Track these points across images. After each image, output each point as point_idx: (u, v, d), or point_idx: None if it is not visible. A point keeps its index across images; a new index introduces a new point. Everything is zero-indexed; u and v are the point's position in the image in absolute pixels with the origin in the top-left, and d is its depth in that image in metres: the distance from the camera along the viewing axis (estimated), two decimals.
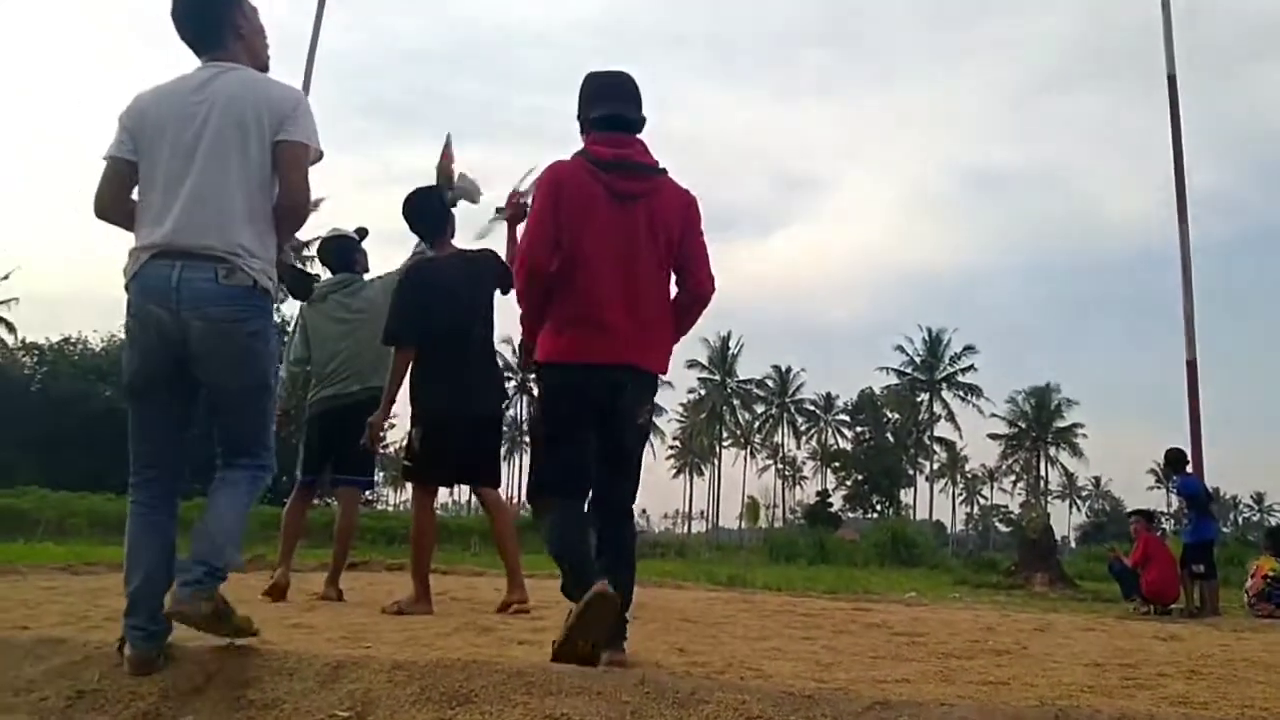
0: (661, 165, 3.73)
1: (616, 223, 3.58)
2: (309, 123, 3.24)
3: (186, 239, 3.06)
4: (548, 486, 3.65)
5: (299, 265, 3.57)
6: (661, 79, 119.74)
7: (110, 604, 4.53)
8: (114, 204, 3.24)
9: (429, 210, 5.77)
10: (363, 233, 6.73)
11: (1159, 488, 75.89)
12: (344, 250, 6.61)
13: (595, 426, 3.57)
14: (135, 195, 3.22)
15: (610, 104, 3.72)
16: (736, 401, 78.75)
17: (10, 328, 57.67)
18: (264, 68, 3.39)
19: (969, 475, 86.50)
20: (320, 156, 3.28)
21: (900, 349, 73.71)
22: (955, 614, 7.54)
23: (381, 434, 5.86)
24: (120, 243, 3.24)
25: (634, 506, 3.75)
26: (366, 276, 6.55)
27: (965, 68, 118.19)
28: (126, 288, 3.15)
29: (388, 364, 5.61)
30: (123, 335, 3.40)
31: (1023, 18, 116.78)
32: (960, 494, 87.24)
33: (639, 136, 3.76)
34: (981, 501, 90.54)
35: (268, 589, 5.87)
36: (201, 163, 3.10)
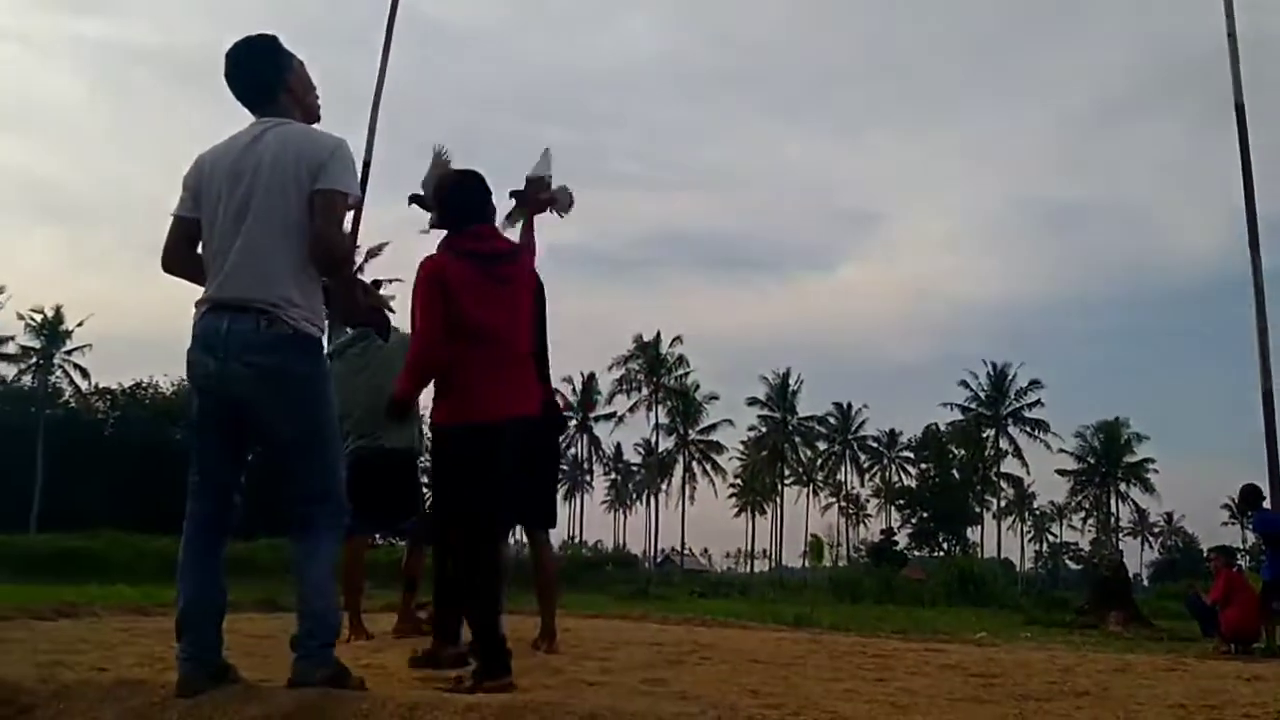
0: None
1: None
2: (345, 169, 3.37)
3: (233, 292, 3.25)
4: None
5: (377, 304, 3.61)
6: (715, 116, 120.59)
7: None
8: (178, 260, 3.45)
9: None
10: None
11: (1234, 524, 74.11)
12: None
13: None
14: (201, 250, 3.40)
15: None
16: (798, 439, 78.15)
17: (84, 373, 59.09)
18: (315, 119, 3.55)
19: (1037, 512, 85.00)
20: (358, 202, 3.38)
21: (964, 384, 72.70)
22: (1030, 654, 7.38)
23: None
24: (187, 288, 3.42)
25: None
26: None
27: (1025, 99, 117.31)
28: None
29: (409, 422, 5.74)
30: None
31: (1082, 48, 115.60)
32: (1028, 531, 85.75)
33: None
34: (1050, 539, 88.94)
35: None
36: (250, 219, 3.28)
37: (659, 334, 71.45)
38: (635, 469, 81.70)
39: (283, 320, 3.23)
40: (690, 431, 74.53)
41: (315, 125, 3.52)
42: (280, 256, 3.26)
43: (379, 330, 5.86)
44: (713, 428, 74.99)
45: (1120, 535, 76.15)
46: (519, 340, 4.18)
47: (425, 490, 6.18)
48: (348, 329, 6.41)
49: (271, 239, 3.26)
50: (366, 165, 11.39)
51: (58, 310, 58.52)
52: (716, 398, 74.28)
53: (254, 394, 3.24)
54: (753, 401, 76.04)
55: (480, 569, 3.94)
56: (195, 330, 3.30)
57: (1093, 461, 75.15)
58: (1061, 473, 76.19)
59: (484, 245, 4.18)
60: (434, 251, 4.13)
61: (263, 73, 3.46)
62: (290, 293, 3.26)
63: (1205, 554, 13.39)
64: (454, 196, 4.34)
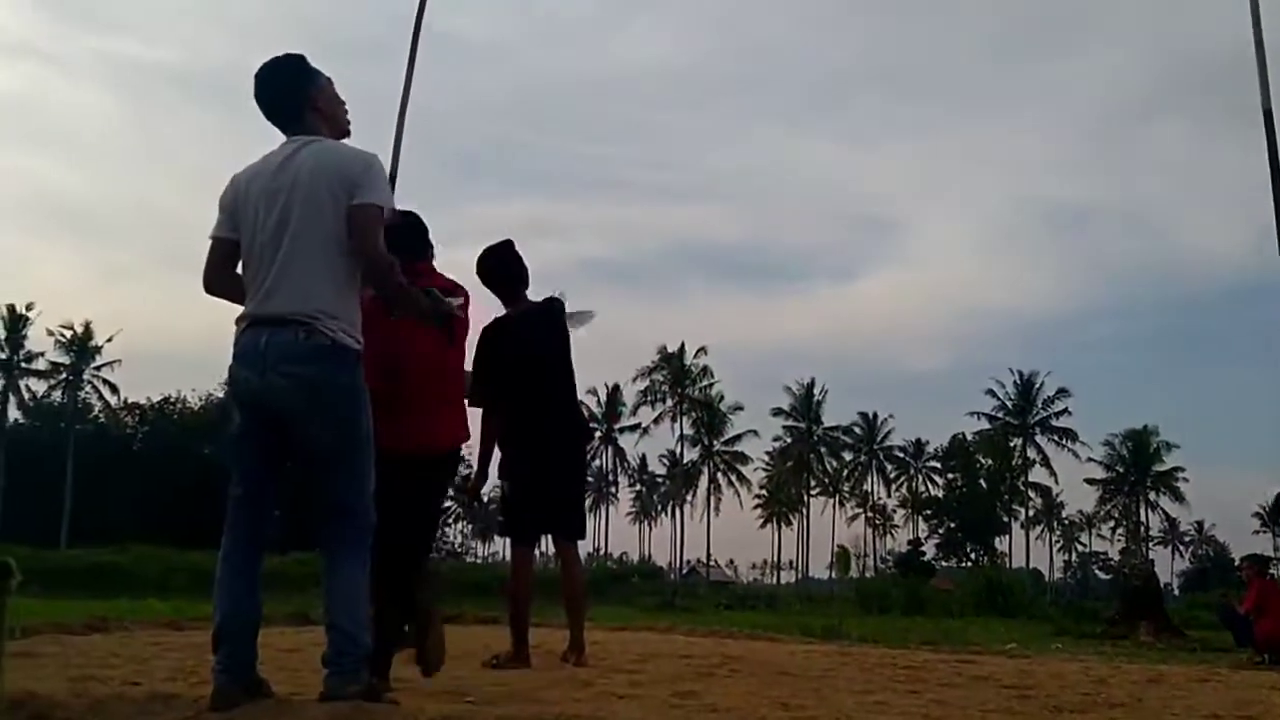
0: None
1: None
2: (380, 183, 3.43)
3: (273, 308, 3.33)
4: None
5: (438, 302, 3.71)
6: (732, 124, 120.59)
7: None
8: (218, 280, 3.53)
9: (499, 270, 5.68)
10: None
11: (1265, 532, 73.41)
12: None
13: None
14: (241, 270, 3.47)
15: None
16: (823, 449, 77.87)
17: (113, 388, 59.63)
18: (345, 134, 3.60)
19: (1066, 521, 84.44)
20: (393, 213, 3.47)
21: (991, 393, 72.26)
22: (1062, 665, 7.32)
23: (479, 493, 5.90)
24: (215, 304, 3.52)
25: None
26: None
27: (1043, 102, 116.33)
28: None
29: None
30: (220, 394, 3.55)
31: (1101, 50, 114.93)
32: (1057, 541, 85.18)
33: None
34: (1079, 548, 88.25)
35: None
36: (288, 237, 3.34)
37: (683, 345, 71.42)
38: (660, 480, 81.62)
39: (320, 331, 3.29)
40: (715, 442, 74.38)
41: (346, 140, 3.56)
42: (318, 272, 3.34)
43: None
44: (737, 438, 74.82)
45: (1150, 544, 75.52)
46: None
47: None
48: None
49: (309, 255, 3.34)
50: (393, 179, 11.48)
51: (87, 326, 59.20)
52: (741, 408, 74.17)
53: (293, 404, 3.30)
54: (777, 412, 75.92)
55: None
56: (237, 347, 3.39)
57: (1122, 470, 74.55)
58: (1090, 482, 75.75)
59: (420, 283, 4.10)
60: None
61: (291, 92, 3.52)
62: (328, 305, 3.32)
63: (1237, 563, 13.25)
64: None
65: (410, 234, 4.33)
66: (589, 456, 5.88)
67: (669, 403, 72.31)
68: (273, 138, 3.50)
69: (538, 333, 5.53)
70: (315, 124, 3.50)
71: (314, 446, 3.35)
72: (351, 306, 3.41)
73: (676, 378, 71.72)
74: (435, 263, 4.41)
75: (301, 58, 3.55)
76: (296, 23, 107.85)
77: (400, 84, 11.21)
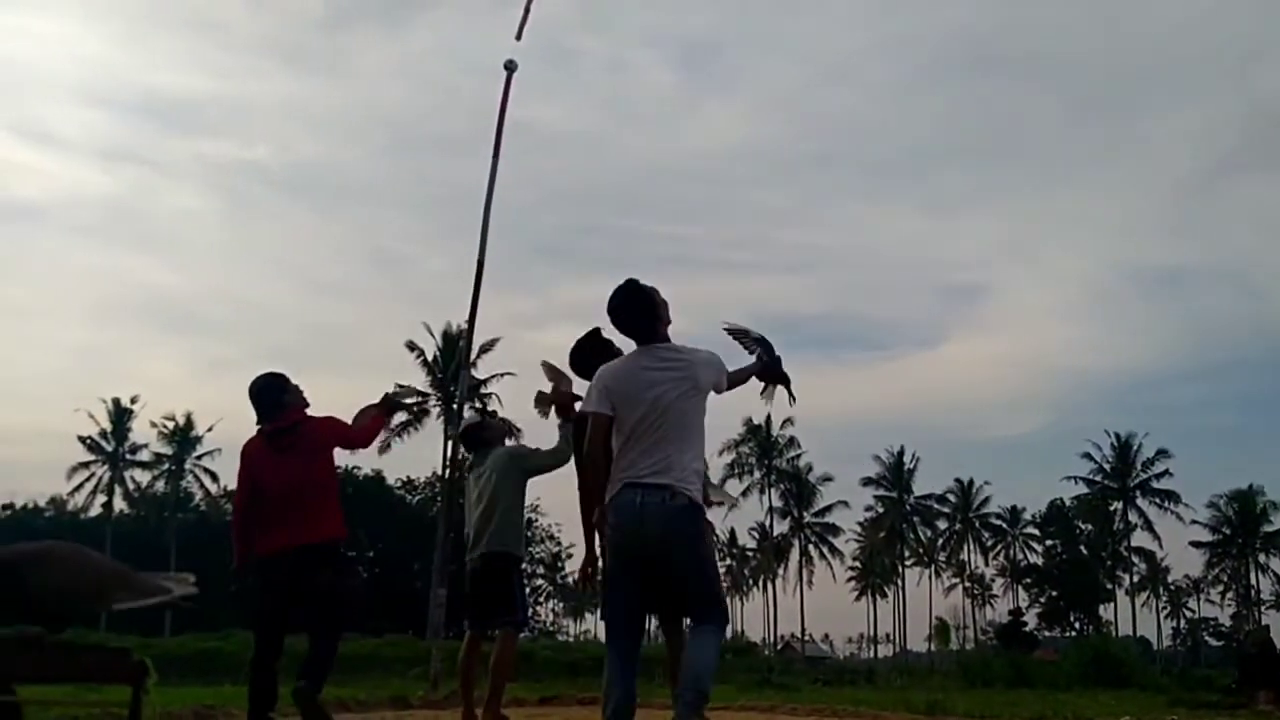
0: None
1: None
2: (721, 371, 4.74)
3: (648, 478, 4.40)
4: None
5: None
6: (810, 199, 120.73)
7: None
8: (603, 451, 4.58)
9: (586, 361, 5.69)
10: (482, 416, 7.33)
11: None
12: (471, 436, 7.51)
13: None
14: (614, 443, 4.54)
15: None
16: (916, 518, 76.45)
17: (214, 476, 61.08)
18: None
19: (1172, 587, 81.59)
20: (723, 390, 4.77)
21: (1088, 456, 70.39)
22: None
23: (590, 574, 5.90)
24: None
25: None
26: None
27: (1126, 162, 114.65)
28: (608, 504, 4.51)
29: (499, 532, 6.78)
30: None
31: (1184, 105, 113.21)
32: (1164, 607, 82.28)
33: None
34: (1188, 614, 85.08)
35: None
36: (662, 426, 4.44)
37: (769, 416, 71.05)
38: (751, 554, 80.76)
39: (681, 493, 4.38)
40: (805, 514, 73.55)
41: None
42: (680, 452, 4.44)
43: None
44: (828, 509, 73.70)
45: (1263, 608, 72.42)
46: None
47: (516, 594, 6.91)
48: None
49: (676, 440, 4.44)
50: (480, 264, 11.74)
51: (188, 417, 60.88)
52: (830, 479, 73.27)
53: (666, 548, 4.37)
54: (867, 481, 74.83)
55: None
56: (614, 503, 4.44)
57: (1229, 532, 71.98)
58: (1196, 545, 73.18)
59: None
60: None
61: (645, 316, 4.67)
62: (685, 475, 4.42)
63: None
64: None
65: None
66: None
67: (756, 475, 71.85)
68: None
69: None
70: (663, 333, 4.70)
71: (677, 576, 4.50)
72: (699, 474, 4.70)
73: (763, 449, 71.30)
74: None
75: (654, 291, 4.73)
76: (380, 120, 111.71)
77: (485, 175, 11.54)
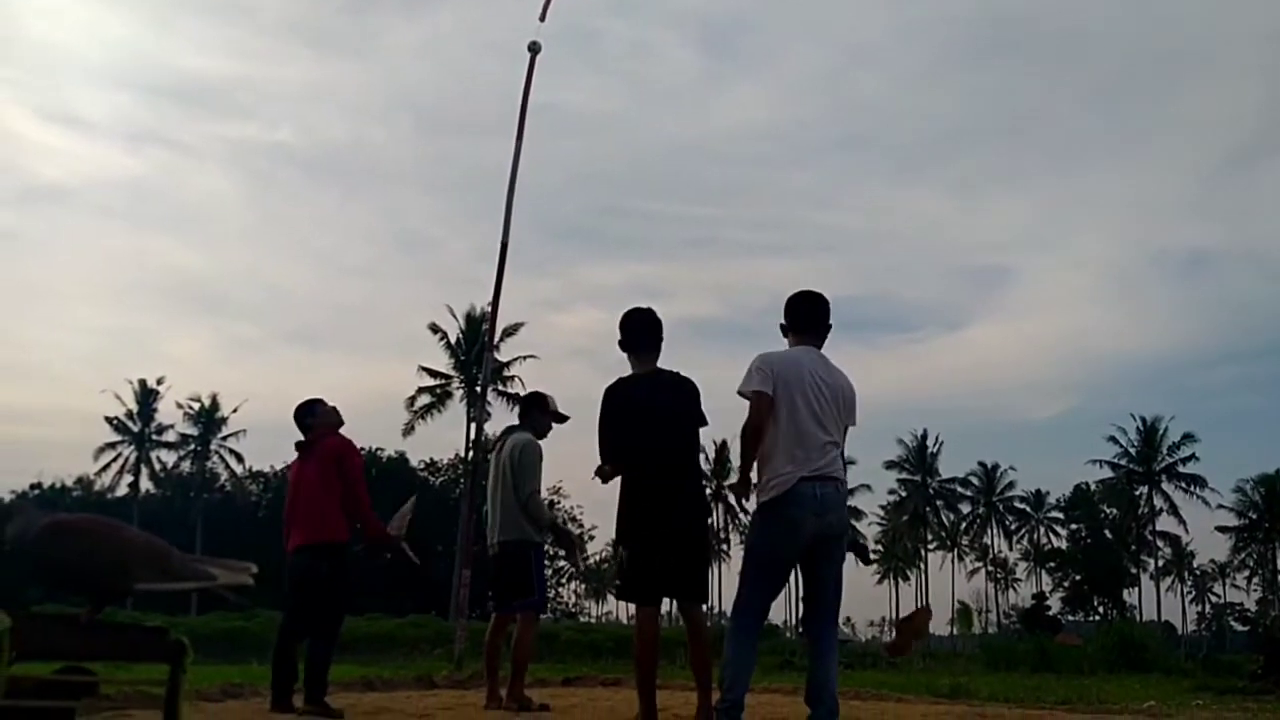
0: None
1: None
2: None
3: (823, 470, 4.91)
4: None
5: None
6: (835, 181, 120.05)
7: None
8: (765, 430, 4.97)
9: (643, 327, 5.83)
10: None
11: None
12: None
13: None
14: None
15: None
16: (940, 502, 76.20)
17: (239, 458, 61.51)
18: None
19: (1198, 572, 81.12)
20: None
21: (1114, 440, 69.85)
22: None
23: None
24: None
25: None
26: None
27: (1149, 145, 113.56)
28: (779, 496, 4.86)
29: (514, 518, 6.94)
30: None
31: (1211, 89, 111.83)
32: (1189, 592, 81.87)
33: None
34: (1213, 599, 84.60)
35: (485, 704, 7.15)
36: (830, 418, 5.06)
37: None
38: None
39: (845, 486, 5.06)
40: None
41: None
42: (839, 448, 5.07)
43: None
44: (850, 493, 73.52)
45: None
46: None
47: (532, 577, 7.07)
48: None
49: (837, 436, 5.06)
50: (504, 247, 11.75)
51: (214, 398, 61.27)
52: (853, 462, 72.85)
53: (826, 537, 4.89)
54: (891, 465, 74.65)
55: None
56: (790, 493, 4.82)
57: (1255, 517, 71.38)
58: (1222, 529, 72.63)
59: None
60: None
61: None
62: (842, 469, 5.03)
63: None
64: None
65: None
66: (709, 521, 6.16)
67: None
68: None
69: (667, 397, 5.62)
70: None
71: (831, 562, 5.09)
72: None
73: None
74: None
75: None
76: (405, 102, 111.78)
77: (509, 157, 11.54)
